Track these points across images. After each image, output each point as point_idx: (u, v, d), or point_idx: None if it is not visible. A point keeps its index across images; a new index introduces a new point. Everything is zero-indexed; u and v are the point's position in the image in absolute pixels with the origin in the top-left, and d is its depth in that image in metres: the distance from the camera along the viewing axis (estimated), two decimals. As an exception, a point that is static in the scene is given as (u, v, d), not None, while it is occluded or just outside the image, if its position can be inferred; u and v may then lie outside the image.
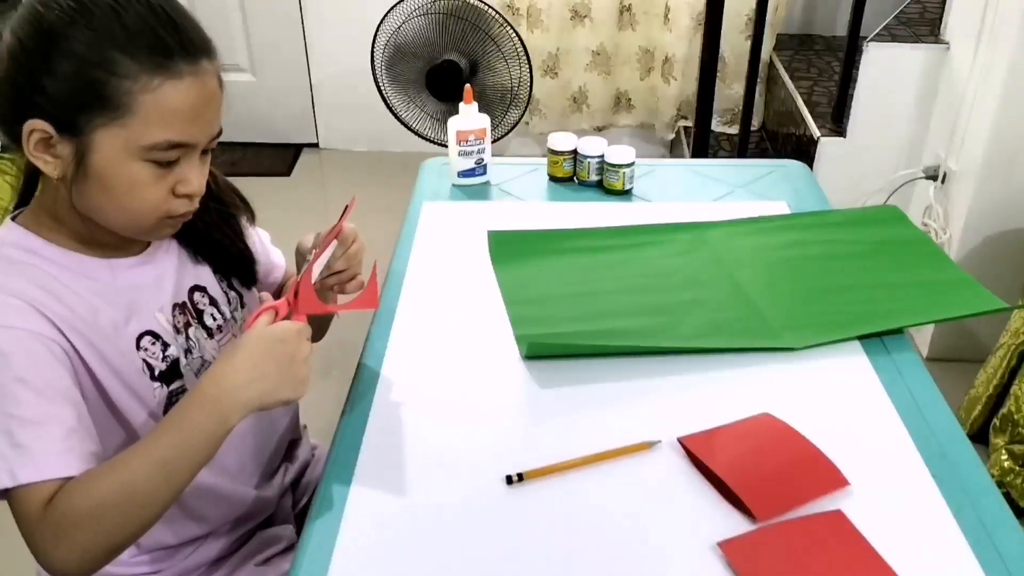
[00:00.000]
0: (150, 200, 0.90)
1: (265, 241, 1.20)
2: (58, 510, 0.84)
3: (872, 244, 1.37)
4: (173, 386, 1.00)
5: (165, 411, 0.99)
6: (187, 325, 1.03)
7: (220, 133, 0.94)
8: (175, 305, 1.02)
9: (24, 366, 0.86)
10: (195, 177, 0.92)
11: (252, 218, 1.13)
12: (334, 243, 1.06)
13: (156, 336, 0.99)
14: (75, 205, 0.90)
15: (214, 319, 1.06)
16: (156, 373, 0.99)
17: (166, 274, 1.02)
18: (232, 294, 1.10)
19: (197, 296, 1.05)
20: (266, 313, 0.92)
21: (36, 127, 0.85)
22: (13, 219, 0.96)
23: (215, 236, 1.06)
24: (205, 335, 1.05)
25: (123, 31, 0.85)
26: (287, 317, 0.95)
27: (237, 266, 1.11)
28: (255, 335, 0.89)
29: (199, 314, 1.05)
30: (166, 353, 1.00)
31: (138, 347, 0.98)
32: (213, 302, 1.07)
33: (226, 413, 0.86)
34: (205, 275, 1.07)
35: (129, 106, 0.85)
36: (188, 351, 1.02)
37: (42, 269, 0.92)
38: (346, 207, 1.06)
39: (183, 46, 0.87)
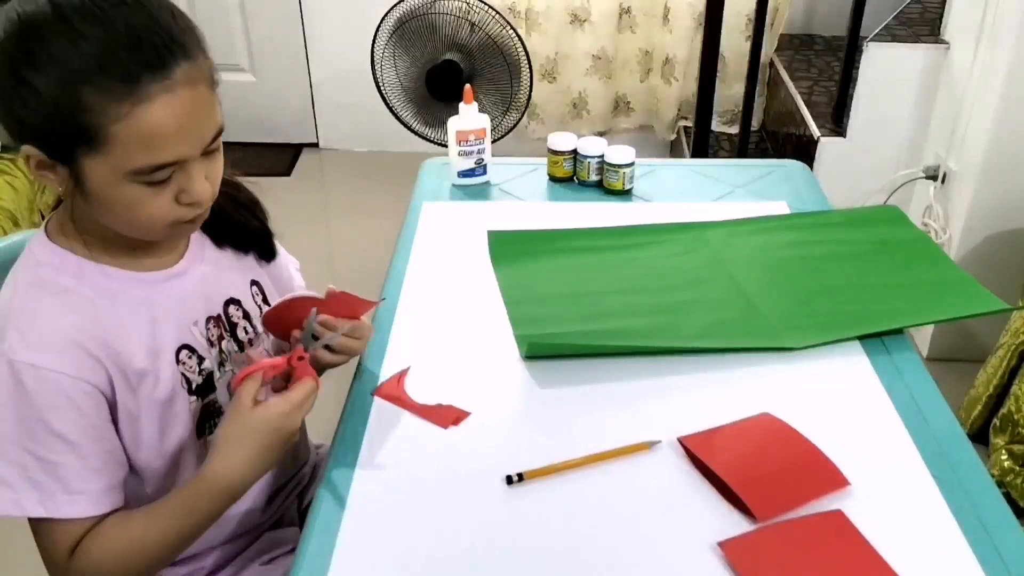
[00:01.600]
0: (153, 214, 0.89)
1: (292, 270, 1.22)
2: (83, 565, 0.93)
3: (872, 244, 1.37)
4: (208, 399, 1.01)
5: (198, 422, 1.00)
6: (220, 338, 1.03)
7: (221, 130, 0.90)
8: (209, 318, 1.02)
9: (46, 407, 0.88)
10: (197, 185, 0.89)
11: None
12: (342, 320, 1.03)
13: (192, 350, 0.99)
14: (85, 216, 0.91)
15: (246, 332, 1.06)
16: (193, 387, 0.99)
17: (200, 286, 1.02)
18: (265, 308, 1.10)
19: (232, 309, 1.05)
20: (252, 378, 0.93)
21: (31, 153, 0.85)
22: (46, 227, 0.96)
23: (231, 215, 1.05)
24: (236, 348, 1.05)
25: (81, 61, 0.81)
26: (286, 375, 0.96)
27: (256, 241, 1.10)
28: (251, 427, 0.92)
29: (232, 327, 1.05)
30: (202, 367, 1.00)
31: (177, 361, 0.98)
32: (246, 315, 1.07)
33: (235, 497, 0.96)
34: (240, 288, 1.07)
35: (105, 137, 0.82)
36: (221, 364, 1.02)
37: (79, 294, 0.92)
38: (374, 303, 1.06)
39: (147, 63, 0.82)
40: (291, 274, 1.21)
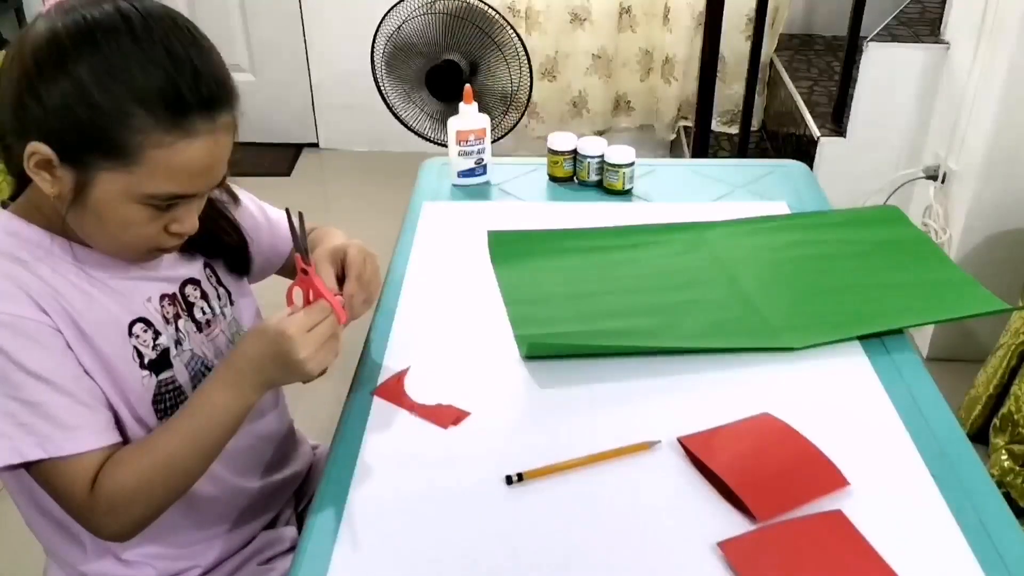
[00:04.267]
0: (142, 237, 0.92)
1: (269, 213, 1.19)
2: (107, 490, 0.92)
3: (872, 244, 1.37)
4: (163, 376, 1.00)
5: (155, 401, 0.99)
6: (176, 317, 1.03)
7: (225, 179, 0.94)
8: (164, 295, 1.02)
9: (13, 350, 0.88)
10: (189, 218, 0.93)
11: (235, 200, 1.13)
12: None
13: (148, 324, 0.99)
14: (67, 222, 0.91)
15: (203, 313, 1.06)
16: (146, 361, 0.99)
17: (158, 264, 1.02)
18: (222, 290, 1.10)
19: (189, 289, 1.05)
20: (296, 288, 0.97)
21: (39, 151, 0.85)
22: (4, 206, 0.96)
23: (209, 227, 1.05)
24: (195, 328, 1.05)
25: (141, 79, 0.83)
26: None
27: (231, 255, 1.11)
28: (270, 328, 0.93)
29: (189, 307, 1.05)
30: (156, 342, 1.00)
31: (130, 334, 0.98)
32: (204, 296, 1.07)
33: (245, 392, 0.96)
34: (197, 269, 1.07)
35: (136, 157, 0.84)
36: (178, 342, 1.02)
37: (34, 256, 0.92)
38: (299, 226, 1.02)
39: (202, 102, 0.85)
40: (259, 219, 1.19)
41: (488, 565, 0.87)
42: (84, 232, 0.92)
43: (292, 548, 1.15)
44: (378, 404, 1.08)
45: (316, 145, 3.49)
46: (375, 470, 0.99)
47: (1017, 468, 1.87)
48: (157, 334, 1.00)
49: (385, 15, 2.61)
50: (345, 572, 0.87)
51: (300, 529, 1.17)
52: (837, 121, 2.50)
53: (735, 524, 0.91)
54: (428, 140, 2.79)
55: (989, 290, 1.25)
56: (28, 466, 0.91)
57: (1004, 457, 1.88)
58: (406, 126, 2.78)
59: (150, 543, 1.07)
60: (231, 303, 1.11)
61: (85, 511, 0.93)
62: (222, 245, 1.09)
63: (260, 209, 1.19)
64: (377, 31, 2.64)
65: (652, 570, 0.87)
